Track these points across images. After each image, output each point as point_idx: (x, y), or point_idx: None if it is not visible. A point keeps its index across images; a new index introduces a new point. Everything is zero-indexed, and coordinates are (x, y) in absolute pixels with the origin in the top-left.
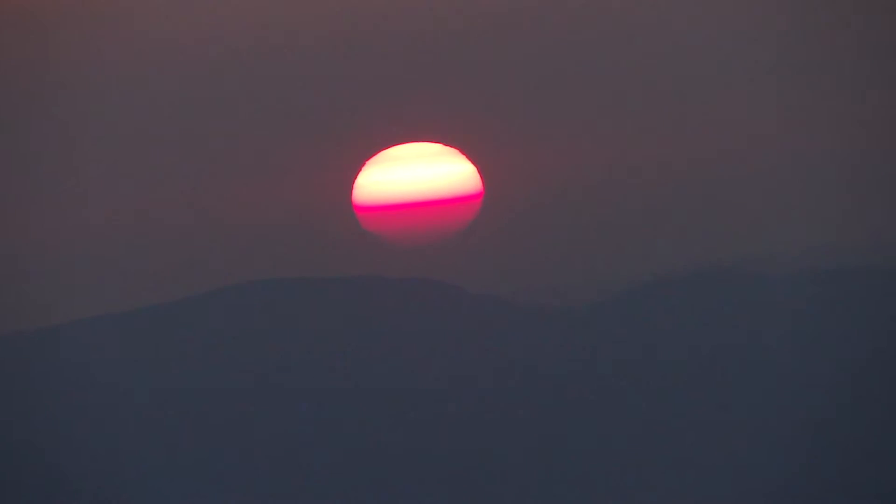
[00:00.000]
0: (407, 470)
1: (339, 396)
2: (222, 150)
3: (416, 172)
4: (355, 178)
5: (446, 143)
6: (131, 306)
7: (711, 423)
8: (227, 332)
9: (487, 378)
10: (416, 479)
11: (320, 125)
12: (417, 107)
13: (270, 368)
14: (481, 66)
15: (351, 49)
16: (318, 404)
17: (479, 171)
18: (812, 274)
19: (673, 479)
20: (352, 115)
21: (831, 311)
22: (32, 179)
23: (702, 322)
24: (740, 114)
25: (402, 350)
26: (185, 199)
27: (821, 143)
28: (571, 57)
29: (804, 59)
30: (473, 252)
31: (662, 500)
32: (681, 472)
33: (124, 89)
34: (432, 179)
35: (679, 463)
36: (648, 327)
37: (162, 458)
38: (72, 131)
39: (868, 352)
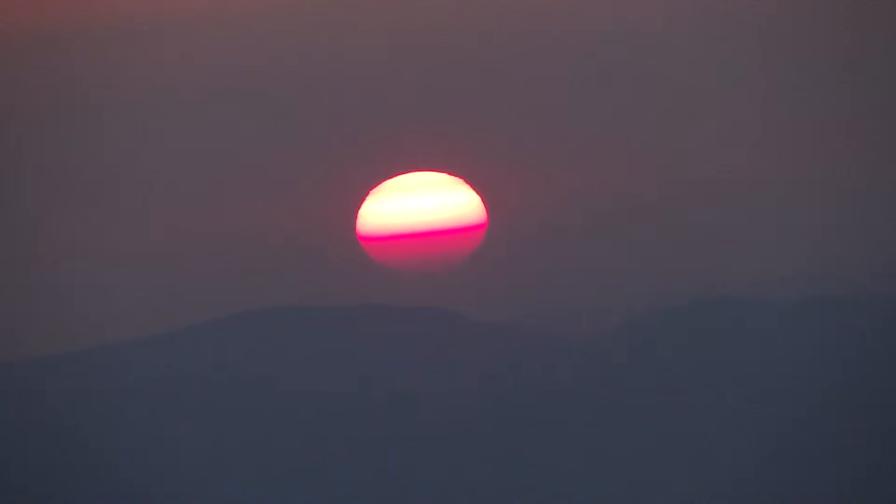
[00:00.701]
0: (407, 497)
1: (342, 423)
2: (226, 178)
3: (420, 202)
4: (359, 207)
5: (450, 173)
6: (130, 335)
7: (711, 449)
8: (230, 360)
9: (491, 406)
10: None
11: (325, 154)
12: (421, 136)
13: (273, 396)
14: (485, 96)
15: (355, 79)
16: (319, 431)
17: (483, 201)
18: (808, 300)
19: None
20: (356, 145)
21: (829, 337)
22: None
23: (707, 349)
24: (738, 146)
25: (407, 378)
26: (188, 228)
27: (806, 171)
28: (575, 87)
29: (792, 90)
30: (477, 281)
31: None
32: (684, 498)
33: (129, 117)
34: (436, 209)
35: (681, 486)
36: (653, 355)
37: (157, 484)
38: (70, 156)
39: (855, 378)
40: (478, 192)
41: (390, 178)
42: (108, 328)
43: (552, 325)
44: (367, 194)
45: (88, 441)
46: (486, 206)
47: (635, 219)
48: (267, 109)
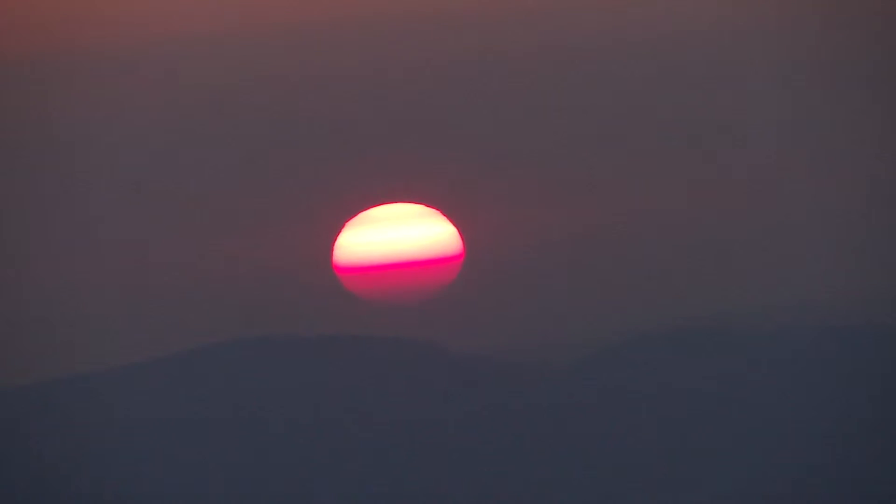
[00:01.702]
0: None
1: (316, 455)
2: (201, 210)
3: (397, 233)
4: (336, 238)
5: (427, 204)
6: (108, 366)
7: (703, 481)
8: (205, 392)
9: (470, 438)
10: None
11: (301, 185)
12: (398, 168)
13: (249, 427)
14: (461, 128)
15: (332, 110)
16: (294, 462)
17: (460, 232)
18: (806, 330)
19: None
20: (333, 176)
21: (828, 368)
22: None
23: (687, 380)
24: (732, 171)
25: (384, 410)
26: (162, 260)
27: (817, 201)
28: (553, 118)
29: (804, 118)
30: (454, 312)
31: None
32: None
33: (105, 146)
34: (413, 240)
35: None
36: (631, 386)
37: None
38: (60, 186)
39: (863, 410)
40: (454, 223)
41: (367, 209)
42: (78, 359)
43: (530, 355)
44: (343, 225)
45: (62, 473)
46: (462, 237)
47: (615, 250)
48: (242, 140)
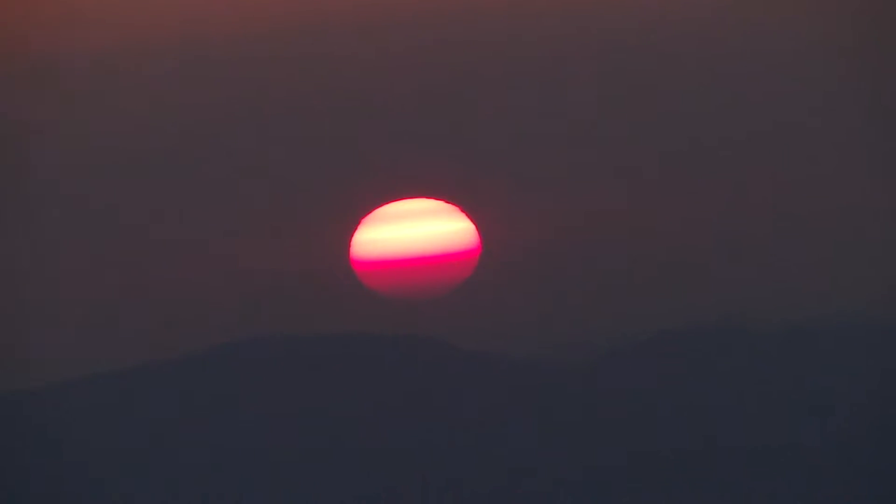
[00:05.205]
0: None
1: (332, 453)
2: (216, 204)
3: (414, 229)
4: (353, 234)
5: (444, 200)
6: (124, 365)
7: (717, 481)
8: (221, 390)
9: (486, 435)
10: None
11: (318, 181)
12: (415, 163)
13: (265, 425)
14: (479, 123)
15: (350, 105)
16: (308, 460)
17: (477, 228)
18: (813, 331)
19: None
20: (349, 172)
21: (834, 368)
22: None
23: (702, 380)
24: (740, 173)
25: (400, 407)
26: (177, 256)
27: (821, 202)
28: (572, 114)
29: (804, 118)
30: (470, 309)
31: None
32: None
33: (121, 137)
34: (430, 236)
35: None
36: (647, 386)
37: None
38: (70, 182)
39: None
40: (471, 219)
41: (384, 205)
42: (98, 360)
43: (548, 352)
44: (360, 221)
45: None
46: (479, 233)
47: (635, 245)
48: (260, 134)
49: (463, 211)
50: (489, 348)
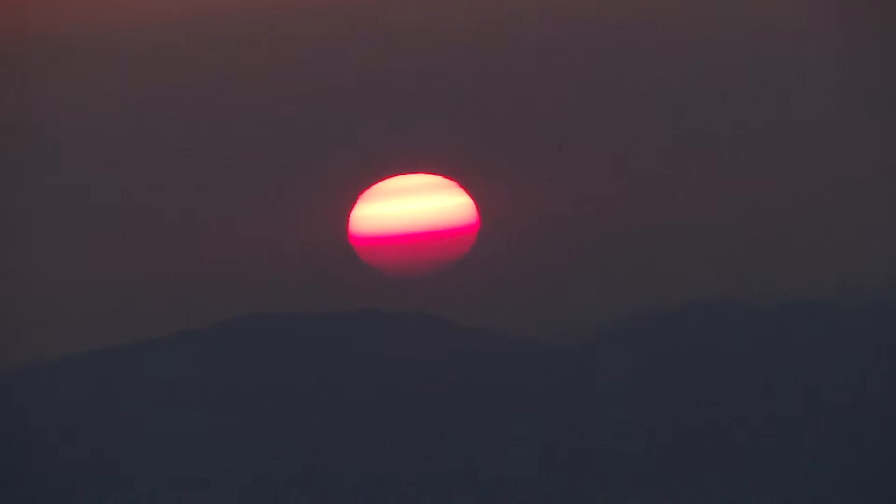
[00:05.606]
0: (395, 499)
1: (334, 431)
2: (216, 181)
3: (413, 204)
4: (352, 209)
5: (444, 175)
6: (123, 342)
7: (717, 463)
8: (222, 368)
9: (483, 412)
10: None
11: (317, 156)
12: (414, 139)
13: (265, 404)
14: (479, 98)
15: (349, 83)
16: (310, 438)
17: (476, 203)
18: (812, 312)
19: None
20: (348, 147)
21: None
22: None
23: (702, 358)
24: (739, 157)
25: (399, 384)
26: (177, 233)
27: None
28: (571, 91)
29: (809, 108)
30: (469, 284)
31: None
32: None
33: (117, 116)
34: (429, 211)
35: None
36: (647, 364)
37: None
38: (72, 158)
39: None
40: (470, 195)
41: (383, 180)
42: (95, 337)
43: (546, 328)
44: (359, 197)
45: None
46: (477, 208)
47: (633, 222)
48: (259, 114)
49: (462, 186)
50: (488, 323)
